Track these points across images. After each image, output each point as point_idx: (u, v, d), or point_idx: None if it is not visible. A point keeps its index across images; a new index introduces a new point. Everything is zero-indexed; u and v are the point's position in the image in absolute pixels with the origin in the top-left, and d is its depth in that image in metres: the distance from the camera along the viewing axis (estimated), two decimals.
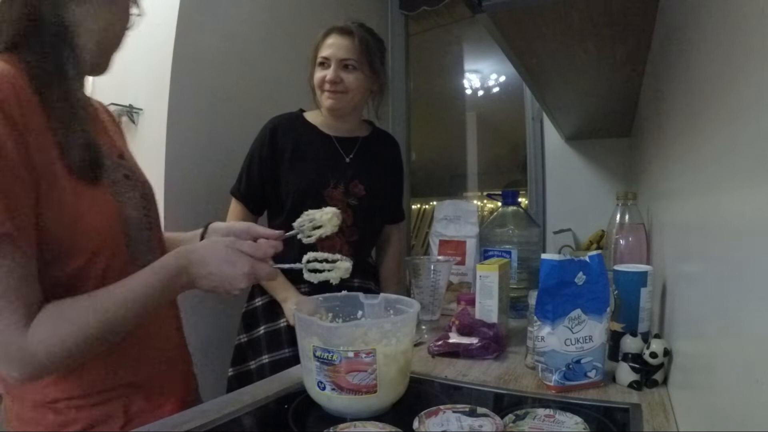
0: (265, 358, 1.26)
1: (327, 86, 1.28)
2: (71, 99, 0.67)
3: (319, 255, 0.82)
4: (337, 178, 1.32)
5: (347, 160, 1.35)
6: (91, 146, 0.68)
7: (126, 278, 0.68)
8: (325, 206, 1.27)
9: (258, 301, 1.31)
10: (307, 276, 0.80)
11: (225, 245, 0.73)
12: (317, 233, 0.84)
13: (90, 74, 0.76)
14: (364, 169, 1.36)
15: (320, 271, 0.81)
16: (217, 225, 0.90)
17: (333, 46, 1.28)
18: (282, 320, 1.28)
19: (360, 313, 0.86)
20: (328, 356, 0.69)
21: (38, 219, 0.61)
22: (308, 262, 0.81)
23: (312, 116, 1.39)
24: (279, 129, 1.33)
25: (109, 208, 0.71)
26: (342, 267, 0.82)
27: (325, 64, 1.29)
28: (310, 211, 0.85)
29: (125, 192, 0.75)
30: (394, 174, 1.49)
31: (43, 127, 0.63)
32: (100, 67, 0.75)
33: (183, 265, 0.70)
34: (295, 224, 0.85)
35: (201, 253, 0.72)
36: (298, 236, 0.84)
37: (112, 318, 0.65)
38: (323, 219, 0.84)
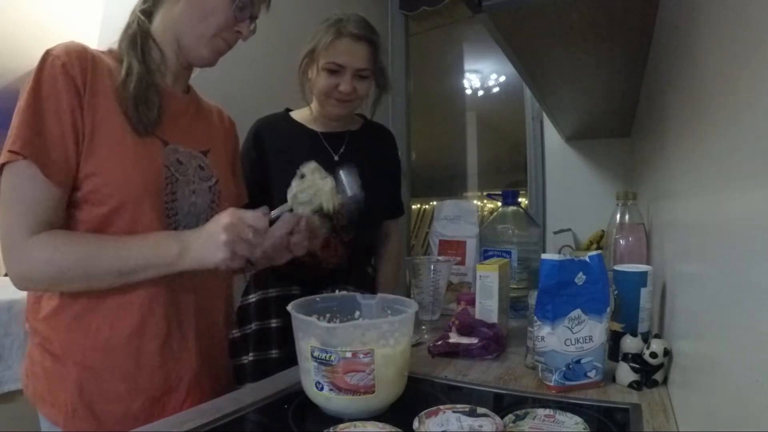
0: (251, 356, 1.25)
1: (338, 95, 1.23)
2: (142, 82, 0.81)
3: (302, 185, 0.83)
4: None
5: (336, 157, 1.32)
6: (144, 120, 0.79)
7: (135, 236, 0.77)
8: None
9: (252, 298, 1.30)
10: (300, 210, 0.82)
11: (221, 224, 0.77)
12: (315, 202, 0.84)
13: (198, 66, 0.91)
14: (356, 165, 1.33)
15: (307, 202, 0.82)
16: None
17: (347, 54, 1.21)
18: (273, 320, 1.27)
19: (357, 313, 0.86)
20: (326, 357, 0.69)
21: (79, 163, 0.75)
22: (294, 197, 0.82)
23: (299, 114, 1.36)
24: (263, 130, 1.31)
25: (146, 174, 0.79)
26: (325, 188, 0.83)
27: (337, 72, 1.22)
28: (307, 181, 0.85)
29: (190, 176, 0.86)
30: (390, 167, 1.44)
31: (109, 93, 0.78)
32: (201, 61, 0.88)
33: (179, 250, 0.77)
34: (290, 194, 0.85)
35: (195, 235, 0.78)
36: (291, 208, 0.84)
37: (100, 258, 0.75)
38: (324, 189, 0.84)
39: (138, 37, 0.84)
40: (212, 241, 0.75)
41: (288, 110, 1.39)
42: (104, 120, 0.77)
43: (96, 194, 0.76)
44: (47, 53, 0.74)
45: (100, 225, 0.77)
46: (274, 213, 0.81)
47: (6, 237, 0.73)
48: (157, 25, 0.86)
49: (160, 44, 0.86)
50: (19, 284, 0.75)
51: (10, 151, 0.70)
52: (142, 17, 0.86)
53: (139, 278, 0.77)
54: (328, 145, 1.33)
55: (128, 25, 0.86)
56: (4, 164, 0.72)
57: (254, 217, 0.78)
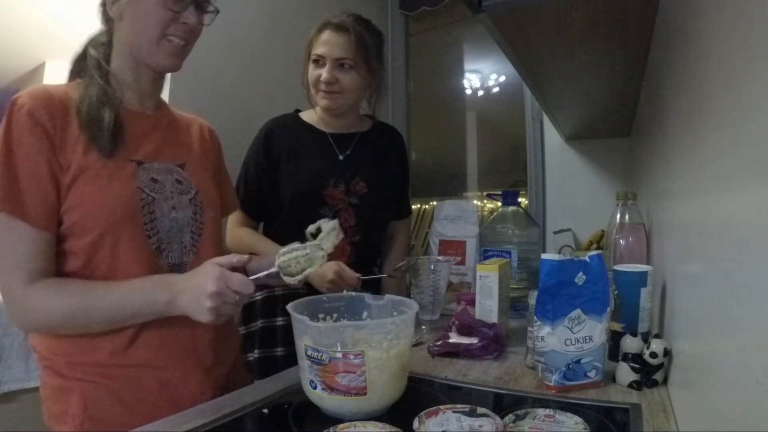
0: (257, 353, 1.26)
1: (322, 86, 1.25)
2: (93, 103, 0.81)
3: (291, 252, 0.77)
4: (336, 176, 1.29)
5: (341, 157, 1.32)
6: (114, 146, 0.80)
7: (125, 284, 0.78)
8: (324, 206, 1.27)
9: (258, 296, 1.30)
10: (287, 281, 0.78)
11: (207, 292, 0.74)
12: (307, 272, 0.78)
13: (162, 72, 0.91)
14: (364, 165, 1.33)
15: (297, 273, 0.77)
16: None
17: (328, 44, 1.23)
18: (278, 318, 1.27)
19: (365, 314, 0.85)
20: (318, 356, 0.69)
21: (60, 201, 0.76)
22: (281, 266, 0.77)
23: (308, 115, 1.37)
24: (273, 132, 1.31)
25: (121, 201, 0.79)
26: (317, 257, 0.78)
27: (319, 62, 1.25)
28: (299, 246, 0.79)
29: (168, 192, 0.86)
30: (398, 168, 1.45)
31: (77, 129, 0.79)
32: (162, 68, 0.88)
33: (167, 299, 0.77)
34: (280, 261, 0.78)
35: (183, 286, 0.77)
36: (283, 275, 0.78)
37: (92, 310, 0.76)
38: (315, 256, 0.78)
39: (92, 66, 0.85)
40: (198, 304, 0.75)
41: (298, 111, 1.40)
42: (76, 155, 0.78)
43: (77, 226, 0.78)
44: (13, 102, 0.76)
45: (86, 254, 0.78)
46: (260, 276, 0.78)
47: (4, 290, 0.76)
48: (114, 49, 0.87)
49: (117, 69, 0.87)
50: (23, 328, 0.80)
51: None
52: (92, 47, 0.87)
53: (132, 323, 0.79)
54: (336, 145, 1.33)
55: (81, 55, 0.87)
56: None
57: (240, 282, 0.74)
